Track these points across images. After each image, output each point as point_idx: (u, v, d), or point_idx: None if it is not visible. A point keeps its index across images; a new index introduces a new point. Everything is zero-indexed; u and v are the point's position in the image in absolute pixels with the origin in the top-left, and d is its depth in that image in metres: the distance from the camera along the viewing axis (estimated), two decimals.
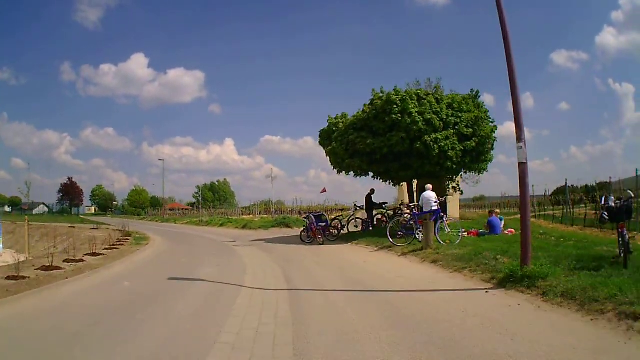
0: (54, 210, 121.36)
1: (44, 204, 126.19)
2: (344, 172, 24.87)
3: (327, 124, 25.35)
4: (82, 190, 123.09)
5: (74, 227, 39.22)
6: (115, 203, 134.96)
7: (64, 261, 15.00)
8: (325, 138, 25.26)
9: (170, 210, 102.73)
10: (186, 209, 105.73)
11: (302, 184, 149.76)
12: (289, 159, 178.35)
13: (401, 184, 27.59)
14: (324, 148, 25.46)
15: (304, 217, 29.11)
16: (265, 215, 57.18)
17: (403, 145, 20.56)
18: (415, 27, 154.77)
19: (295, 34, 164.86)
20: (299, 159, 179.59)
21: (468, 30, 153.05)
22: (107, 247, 20.46)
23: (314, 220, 23.29)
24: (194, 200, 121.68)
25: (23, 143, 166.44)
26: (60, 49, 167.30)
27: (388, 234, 18.44)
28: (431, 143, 20.21)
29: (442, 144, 20.47)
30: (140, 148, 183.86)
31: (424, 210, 18.66)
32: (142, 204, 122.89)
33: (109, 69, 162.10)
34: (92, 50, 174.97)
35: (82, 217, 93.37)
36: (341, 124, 23.91)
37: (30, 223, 34.62)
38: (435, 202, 18.67)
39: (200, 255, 20.47)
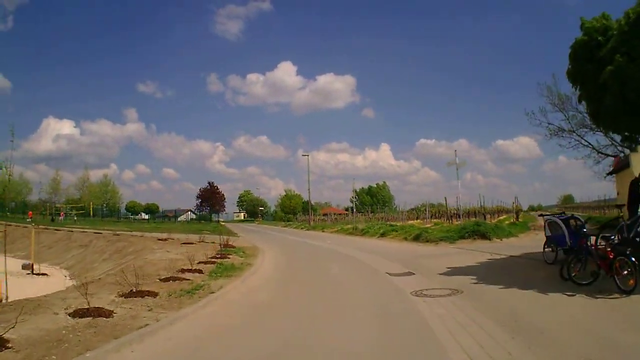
0: (190, 218, 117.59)
1: (191, 210, 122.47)
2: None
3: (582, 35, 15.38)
4: (223, 195, 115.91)
5: (165, 239, 28.94)
6: (262, 208, 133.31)
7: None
8: (584, 60, 15.04)
9: (324, 215, 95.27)
10: (340, 214, 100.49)
11: (457, 186, 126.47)
12: (444, 162, 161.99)
13: None
14: (576, 82, 16.32)
15: (550, 219, 16.19)
16: (438, 220, 45.31)
17: None
18: None
19: (443, 32, 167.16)
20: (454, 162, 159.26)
21: None
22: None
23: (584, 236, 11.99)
24: (351, 205, 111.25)
25: (173, 154, 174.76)
26: (204, 62, 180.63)
27: None
28: None
29: None
30: (295, 155, 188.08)
31: None
32: (294, 209, 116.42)
33: (257, 78, 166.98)
34: (237, 61, 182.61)
35: (219, 223, 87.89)
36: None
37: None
38: None
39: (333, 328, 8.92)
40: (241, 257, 19.95)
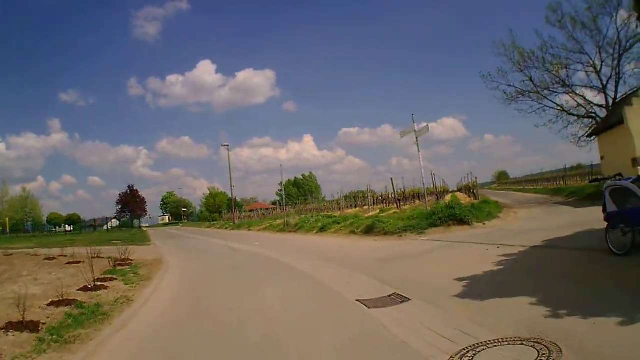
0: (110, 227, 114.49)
1: (116, 218, 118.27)
2: None
3: None
4: (143, 198, 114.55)
5: (53, 258, 21.37)
6: (185, 209, 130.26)
7: None
8: None
9: (250, 211, 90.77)
10: (268, 208, 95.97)
11: (385, 172, 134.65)
12: (369, 149, 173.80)
13: None
14: None
15: (615, 185, 10.65)
16: (383, 206, 40.22)
17: None
18: None
19: (363, 19, 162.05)
20: (379, 148, 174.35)
21: None
22: None
23: None
24: (277, 199, 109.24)
25: (98, 161, 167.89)
26: (124, 66, 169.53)
27: None
28: None
29: None
30: (218, 153, 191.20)
31: None
32: (219, 208, 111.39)
33: (177, 79, 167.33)
34: (156, 63, 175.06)
35: (140, 229, 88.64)
36: None
37: None
38: None
39: None
40: (128, 283, 13.26)
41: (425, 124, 23.65)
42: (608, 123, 24.90)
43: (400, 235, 20.17)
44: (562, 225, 16.14)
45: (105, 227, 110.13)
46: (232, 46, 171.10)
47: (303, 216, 42.76)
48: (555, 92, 32.68)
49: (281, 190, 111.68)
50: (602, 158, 25.93)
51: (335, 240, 23.70)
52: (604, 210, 10.67)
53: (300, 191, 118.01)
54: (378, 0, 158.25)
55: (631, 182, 9.95)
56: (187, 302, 10.80)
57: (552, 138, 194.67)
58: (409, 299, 8.48)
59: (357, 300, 8.88)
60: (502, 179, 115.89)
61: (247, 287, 11.92)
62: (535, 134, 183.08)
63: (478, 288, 8.61)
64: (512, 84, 33.48)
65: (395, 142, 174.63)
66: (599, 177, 12.32)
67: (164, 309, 10.18)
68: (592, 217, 17.14)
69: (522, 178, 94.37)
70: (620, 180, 10.36)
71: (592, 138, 30.13)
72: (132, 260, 18.55)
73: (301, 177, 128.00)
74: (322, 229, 29.39)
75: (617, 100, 28.84)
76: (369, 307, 8.25)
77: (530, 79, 32.61)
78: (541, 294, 7.48)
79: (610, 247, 9.98)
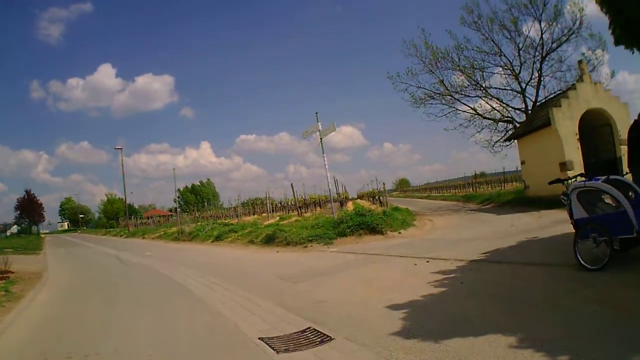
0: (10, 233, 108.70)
1: (15, 223, 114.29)
2: None
3: None
4: (41, 204, 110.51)
5: None
6: (82, 216, 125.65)
7: None
8: None
9: (148, 218, 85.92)
10: (164, 215, 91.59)
11: (282, 179, 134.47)
12: (266, 157, 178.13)
13: None
14: None
15: (586, 186, 8.62)
16: (283, 214, 38.31)
17: None
18: None
19: (259, 23, 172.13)
20: (276, 156, 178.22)
21: None
22: None
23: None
24: (175, 205, 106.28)
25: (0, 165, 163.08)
26: (27, 68, 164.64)
27: None
28: None
29: None
30: (117, 159, 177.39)
31: None
32: (116, 214, 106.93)
33: (77, 82, 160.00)
34: (58, 66, 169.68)
35: (39, 236, 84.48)
36: None
37: None
38: None
39: None
40: None
41: (332, 123, 21.33)
42: (530, 126, 23.60)
43: (306, 246, 17.64)
44: (495, 235, 14.41)
45: (5, 234, 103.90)
46: (133, 50, 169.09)
47: (198, 224, 39.55)
48: (468, 95, 31.06)
49: (178, 197, 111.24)
50: (522, 163, 24.58)
51: (232, 252, 20.97)
52: (571, 216, 8.73)
53: (197, 198, 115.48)
54: (275, 3, 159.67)
55: (603, 182, 8.08)
56: (42, 346, 7.65)
57: (450, 147, 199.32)
58: (331, 338, 6.06)
59: (260, 338, 6.37)
60: (403, 186, 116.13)
61: (122, 316, 9.10)
62: (434, 143, 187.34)
63: (424, 321, 6.29)
64: (422, 86, 31.46)
65: (292, 150, 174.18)
66: (560, 178, 10.30)
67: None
68: (527, 224, 15.94)
69: (423, 186, 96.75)
70: (589, 181, 8.36)
71: (509, 143, 28.91)
72: (12, 272, 15.97)
73: (199, 183, 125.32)
74: (218, 238, 26.81)
75: (539, 103, 27.72)
76: (277, 351, 5.74)
77: (442, 81, 30.81)
78: (516, 330, 5.40)
79: (581, 260, 8.01)
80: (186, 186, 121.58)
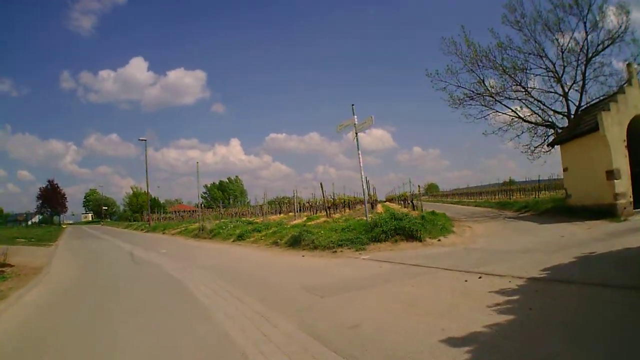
0: (31, 222, 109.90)
1: (36, 213, 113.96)
2: None
3: None
4: (64, 195, 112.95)
5: None
6: (106, 208, 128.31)
7: None
8: None
9: (174, 212, 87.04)
10: (188, 210, 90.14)
11: (311, 179, 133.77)
12: (296, 156, 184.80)
13: None
14: None
15: None
16: (311, 214, 37.53)
17: None
18: None
19: (292, 20, 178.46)
20: (306, 156, 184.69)
21: None
22: None
23: None
24: (202, 201, 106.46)
25: (28, 155, 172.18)
26: (58, 58, 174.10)
27: None
28: None
29: None
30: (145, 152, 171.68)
31: None
32: (141, 207, 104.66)
33: (108, 74, 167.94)
34: (89, 57, 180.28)
35: (60, 226, 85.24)
36: None
37: None
38: None
39: None
40: None
41: (370, 116, 19.55)
42: (575, 131, 21.85)
43: (335, 251, 15.96)
44: (546, 246, 12.84)
45: (28, 223, 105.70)
46: (166, 44, 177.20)
47: (221, 221, 37.56)
48: (509, 97, 29.29)
49: (205, 193, 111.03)
50: (565, 170, 22.79)
51: (253, 253, 19.19)
52: None
53: (224, 195, 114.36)
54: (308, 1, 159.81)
55: None
56: None
57: (479, 154, 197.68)
58: None
59: None
60: (432, 191, 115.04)
61: (103, 333, 7.44)
62: (462, 149, 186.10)
63: None
64: (461, 85, 29.73)
65: (322, 150, 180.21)
66: None
67: None
68: (576, 235, 14.80)
69: (450, 191, 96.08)
70: None
71: (551, 148, 27.23)
72: (11, 266, 15.18)
73: (227, 180, 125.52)
74: (240, 237, 25.05)
75: (583, 108, 26.13)
76: None
77: (482, 81, 29.21)
78: None
79: None
80: (213, 182, 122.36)
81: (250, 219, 37.06)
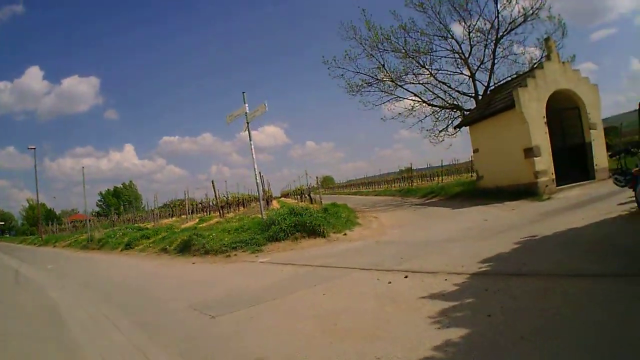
0: None
1: None
2: None
3: None
4: None
5: None
6: (2, 223, 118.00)
7: None
8: None
9: (71, 222, 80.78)
10: (82, 220, 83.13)
11: (205, 180, 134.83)
12: (190, 158, 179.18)
13: None
14: None
15: None
16: (203, 215, 35.42)
17: None
18: None
19: (187, 22, 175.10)
20: (199, 157, 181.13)
21: None
22: None
23: None
24: (98, 209, 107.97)
25: None
26: None
27: None
28: None
29: None
30: (42, 164, 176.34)
31: None
32: (37, 220, 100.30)
33: (5, 86, 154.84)
34: None
35: None
36: None
37: None
38: None
39: None
40: None
41: (262, 103, 17.41)
42: (487, 110, 20.86)
43: (229, 255, 13.89)
44: (470, 233, 11.48)
45: None
46: (61, 52, 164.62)
47: (112, 229, 34.92)
48: (411, 82, 27.94)
49: (100, 200, 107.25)
50: (475, 151, 21.91)
51: (139, 264, 16.94)
52: None
53: (119, 201, 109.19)
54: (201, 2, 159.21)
55: None
56: None
57: (374, 144, 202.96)
58: None
59: None
60: (328, 184, 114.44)
61: None
62: (356, 140, 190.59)
63: None
64: (360, 71, 28.07)
65: (215, 150, 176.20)
66: (628, 148, 7.87)
67: None
68: (503, 219, 13.28)
69: (346, 182, 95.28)
70: None
71: (457, 130, 26.14)
72: None
73: (121, 186, 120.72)
74: (128, 246, 22.77)
75: (493, 87, 25.12)
76: None
77: (382, 66, 27.53)
78: None
79: None
80: (108, 189, 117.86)
81: (142, 225, 34.94)
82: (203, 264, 13.45)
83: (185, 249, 16.43)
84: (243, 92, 17.74)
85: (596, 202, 13.33)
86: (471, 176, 34.96)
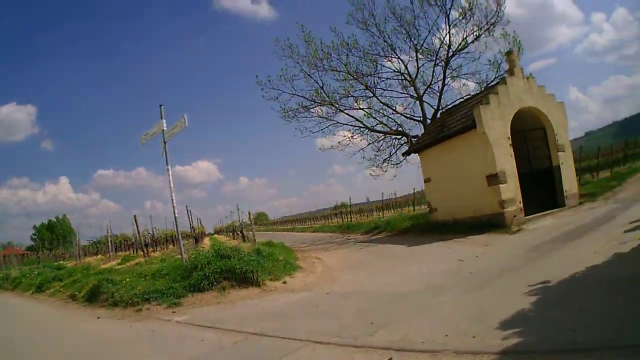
0: None
1: None
2: None
3: None
4: None
5: None
6: None
7: None
8: None
9: (5, 257, 75.96)
10: (21, 254, 79.62)
11: (139, 215, 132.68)
12: (124, 193, 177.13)
13: None
14: None
15: None
16: (126, 253, 31.55)
17: None
18: None
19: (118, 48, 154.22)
20: (134, 191, 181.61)
21: None
22: None
23: None
24: (32, 243, 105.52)
25: None
26: None
27: None
28: None
29: None
30: None
31: None
32: None
33: None
34: None
35: None
36: None
37: None
38: None
39: None
40: None
41: (182, 117, 14.13)
42: (439, 135, 18.70)
43: (140, 309, 10.73)
44: (452, 279, 8.99)
45: None
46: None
47: (28, 268, 31.67)
48: (352, 107, 25.85)
49: (34, 234, 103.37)
50: (427, 181, 19.76)
51: (41, 315, 13.84)
52: None
53: (53, 235, 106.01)
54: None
55: None
56: None
57: (307, 180, 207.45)
58: None
59: None
60: (262, 220, 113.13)
61: None
62: (288, 176, 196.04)
63: None
64: (297, 93, 25.71)
65: (149, 185, 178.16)
66: None
67: None
68: (480, 258, 10.99)
69: (280, 219, 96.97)
70: None
71: (403, 159, 24.23)
72: None
73: (55, 219, 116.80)
74: (39, 288, 19.61)
75: (444, 109, 23.34)
76: None
77: (322, 88, 25.16)
78: None
79: None
80: (42, 223, 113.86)
81: (65, 263, 32.39)
82: (108, 320, 10.36)
83: (93, 297, 13.24)
84: (160, 105, 14.27)
85: (587, 232, 11.25)
86: (413, 210, 33.73)
